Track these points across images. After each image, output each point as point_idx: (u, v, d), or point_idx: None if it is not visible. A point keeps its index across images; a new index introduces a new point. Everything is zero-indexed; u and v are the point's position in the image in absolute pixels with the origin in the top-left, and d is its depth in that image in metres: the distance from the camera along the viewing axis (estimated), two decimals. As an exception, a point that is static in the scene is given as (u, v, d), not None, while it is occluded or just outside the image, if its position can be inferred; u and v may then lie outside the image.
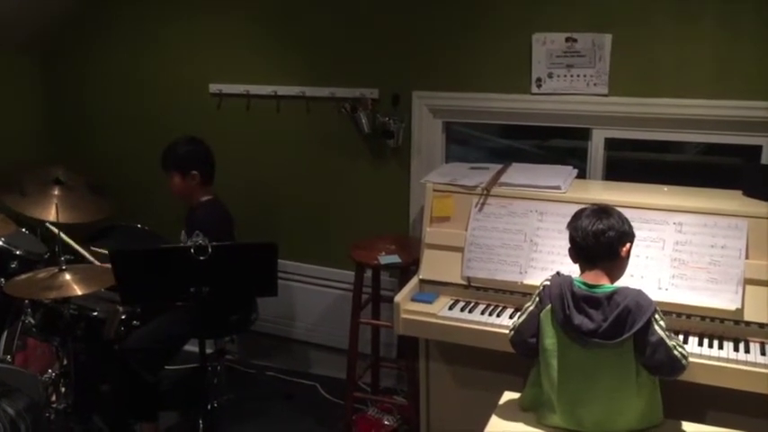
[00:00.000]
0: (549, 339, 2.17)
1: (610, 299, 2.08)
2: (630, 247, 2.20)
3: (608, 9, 2.98)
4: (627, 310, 2.05)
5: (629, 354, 2.08)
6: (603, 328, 2.06)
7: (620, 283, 2.18)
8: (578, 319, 2.09)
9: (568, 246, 2.24)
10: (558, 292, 2.14)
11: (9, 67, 4.14)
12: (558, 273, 2.23)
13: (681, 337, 2.36)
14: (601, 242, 2.13)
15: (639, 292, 2.09)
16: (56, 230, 3.17)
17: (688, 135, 3.04)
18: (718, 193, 2.76)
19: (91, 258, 3.25)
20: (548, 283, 2.21)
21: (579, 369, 2.13)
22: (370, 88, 3.46)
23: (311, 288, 3.81)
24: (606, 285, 2.13)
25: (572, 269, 2.25)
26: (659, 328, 2.06)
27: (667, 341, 2.05)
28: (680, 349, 2.08)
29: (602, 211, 2.19)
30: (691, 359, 2.20)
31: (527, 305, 2.27)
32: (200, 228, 2.86)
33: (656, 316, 2.07)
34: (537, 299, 2.23)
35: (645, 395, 2.14)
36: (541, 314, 2.19)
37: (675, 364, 2.07)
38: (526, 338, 2.24)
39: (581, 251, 2.19)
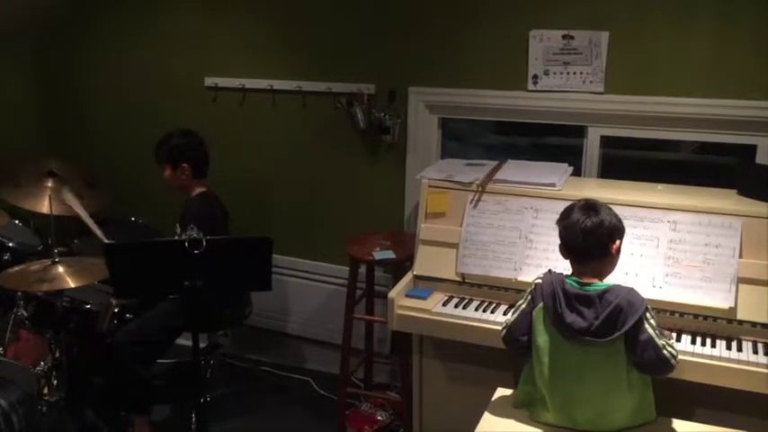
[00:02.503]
0: (542, 337, 2.17)
1: (602, 297, 2.08)
2: (620, 243, 2.18)
3: (605, 6, 2.98)
4: (618, 308, 2.05)
5: (621, 352, 2.08)
6: (595, 326, 2.06)
7: (614, 280, 2.18)
8: (570, 317, 2.09)
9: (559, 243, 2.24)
10: (550, 291, 2.14)
11: (3, 59, 4.12)
12: (549, 270, 2.23)
13: (674, 335, 2.37)
14: (591, 240, 2.12)
15: (631, 290, 2.09)
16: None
17: (683, 134, 3.04)
18: (713, 191, 2.77)
19: (99, 233, 3.23)
20: (539, 281, 2.21)
21: (571, 367, 2.13)
22: (366, 83, 3.45)
23: (305, 283, 3.81)
24: (598, 283, 2.13)
25: (566, 266, 2.25)
26: (649, 326, 2.05)
27: (656, 340, 2.05)
28: (669, 349, 2.07)
29: (591, 208, 2.16)
30: (683, 357, 2.21)
31: (519, 303, 2.27)
32: (190, 221, 2.86)
33: (647, 314, 2.07)
34: (529, 297, 2.23)
35: (637, 393, 2.14)
36: (534, 312, 2.19)
37: (664, 364, 2.06)
38: (518, 336, 2.24)
39: (571, 249, 2.18)
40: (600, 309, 2.07)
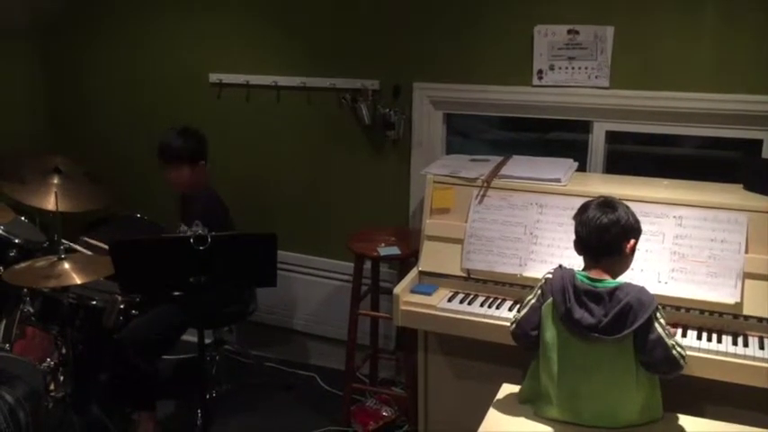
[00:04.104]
0: (550, 332, 2.16)
1: (611, 294, 2.07)
2: (636, 243, 2.17)
3: (610, 1, 2.97)
4: (628, 306, 2.04)
5: (629, 350, 2.07)
6: (604, 323, 2.05)
7: (623, 278, 2.17)
8: (579, 313, 2.09)
9: (570, 239, 2.23)
10: (560, 286, 2.13)
11: (9, 55, 4.12)
12: (560, 266, 2.22)
13: (679, 331, 2.36)
14: (604, 238, 2.11)
15: (642, 289, 2.08)
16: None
17: (689, 129, 3.03)
18: (719, 187, 2.76)
19: (83, 250, 3.23)
20: (550, 276, 2.20)
21: (579, 363, 2.13)
22: (371, 79, 3.44)
23: (310, 279, 3.81)
24: (608, 280, 2.12)
25: (571, 262, 2.25)
26: (659, 326, 2.05)
27: (666, 340, 2.04)
28: (678, 349, 2.06)
29: (608, 205, 2.15)
30: (689, 353, 2.20)
31: (529, 298, 2.27)
32: (209, 217, 2.87)
33: (657, 314, 2.06)
34: (539, 291, 2.22)
35: (644, 390, 2.13)
36: (543, 307, 2.18)
37: (673, 364, 2.06)
38: (527, 331, 2.23)
39: (585, 245, 2.17)
40: (609, 306, 2.06)
